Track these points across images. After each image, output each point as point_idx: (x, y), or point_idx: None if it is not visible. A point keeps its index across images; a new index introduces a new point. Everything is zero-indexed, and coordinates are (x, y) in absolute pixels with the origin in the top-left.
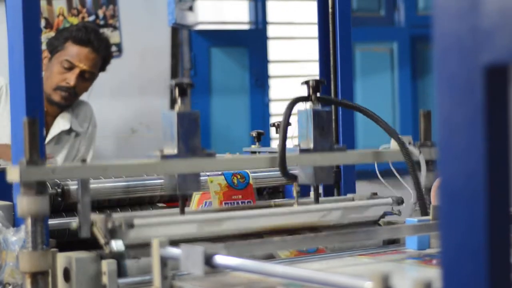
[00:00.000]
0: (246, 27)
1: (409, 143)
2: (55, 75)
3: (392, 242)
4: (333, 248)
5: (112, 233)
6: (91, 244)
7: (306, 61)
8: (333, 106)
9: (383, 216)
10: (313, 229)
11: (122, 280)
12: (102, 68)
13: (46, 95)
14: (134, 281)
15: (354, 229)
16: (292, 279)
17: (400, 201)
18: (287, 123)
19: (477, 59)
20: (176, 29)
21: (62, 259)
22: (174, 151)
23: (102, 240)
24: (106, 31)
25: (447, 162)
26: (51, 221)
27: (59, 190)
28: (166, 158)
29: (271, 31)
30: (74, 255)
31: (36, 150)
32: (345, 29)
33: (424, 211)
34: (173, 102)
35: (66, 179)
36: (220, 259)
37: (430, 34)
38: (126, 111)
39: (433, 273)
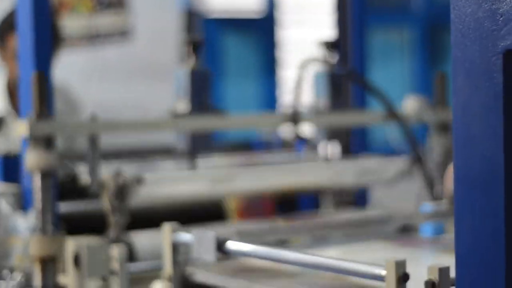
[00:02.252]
0: (257, 14)
1: (424, 106)
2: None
3: (407, 229)
4: (348, 234)
5: (122, 191)
6: (101, 228)
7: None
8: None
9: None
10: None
11: (132, 265)
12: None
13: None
14: (144, 266)
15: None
16: (305, 265)
17: (414, 163)
18: (300, 81)
19: (496, 43)
20: (188, 15)
21: (72, 244)
22: (186, 108)
23: (110, 204)
24: (118, 15)
25: (463, 147)
26: (62, 206)
27: (70, 175)
28: (177, 116)
29: (283, 17)
30: (84, 240)
31: (45, 104)
32: (361, 14)
33: (431, 189)
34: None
35: (77, 164)
36: (232, 245)
37: (446, 20)
38: (136, 96)
39: (449, 260)
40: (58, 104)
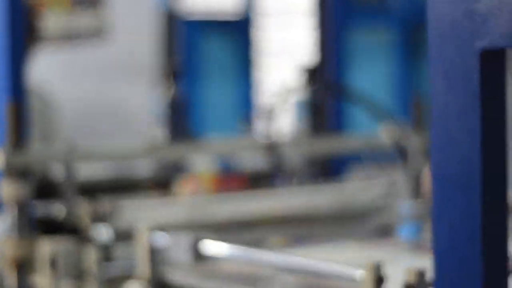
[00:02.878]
0: (236, 16)
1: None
2: None
3: (385, 229)
4: (326, 235)
5: (98, 218)
6: (76, 230)
7: (297, 49)
8: (328, 95)
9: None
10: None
11: (107, 267)
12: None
13: None
14: (119, 268)
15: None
16: (282, 266)
17: (392, 185)
18: (278, 109)
19: (472, 43)
20: (167, 17)
21: (46, 246)
22: (163, 135)
23: (87, 226)
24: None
25: (441, 147)
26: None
27: (43, 176)
28: (154, 143)
29: (262, 20)
30: (59, 241)
31: (20, 135)
32: (341, 16)
33: (416, 196)
34: (162, 88)
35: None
36: (209, 246)
37: (425, 20)
38: (112, 95)
39: (426, 261)
40: (35, 105)
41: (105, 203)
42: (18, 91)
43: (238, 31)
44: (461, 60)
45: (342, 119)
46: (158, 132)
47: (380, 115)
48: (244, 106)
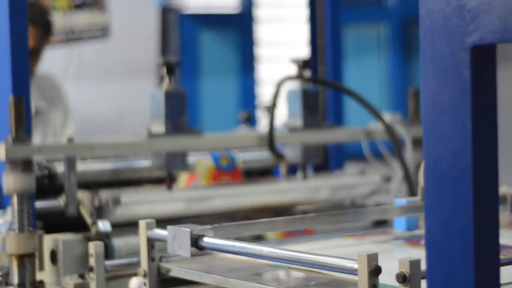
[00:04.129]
0: (234, 10)
1: (398, 122)
2: None
3: (381, 224)
4: (321, 229)
5: (99, 211)
6: (78, 225)
7: (294, 43)
8: (322, 85)
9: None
10: (301, 209)
11: (109, 262)
12: (46, 40)
13: None
14: (121, 263)
15: (343, 209)
16: (279, 260)
17: (388, 179)
18: (275, 101)
19: (463, 39)
20: (165, 12)
21: (49, 241)
22: (162, 129)
23: (88, 220)
24: (94, 13)
25: (433, 142)
26: (38, 203)
27: (45, 172)
28: (153, 136)
29: (259, 13)
30: (61, 237)
31: (23, 127)
32: (334, 10)
33: (411, 191)
34: (160, 83)
35: (53, 161)
36: (208, 240)
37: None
38: (113, 94)
39: (421, 254)
40: (44, 88)
41: (105, 195)
42: (20, 83)
43: (236, 25)
44: (452, 55)
45: (338, 111)
46: (157, 127)
47: (372, 112)
48: (244, 100)
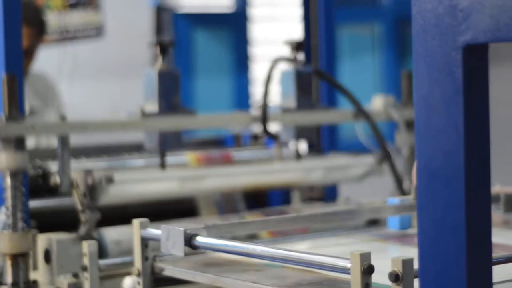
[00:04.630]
0: (228, 9)
1: (391, 104)
2: None
3: (374, 223)
4: (315, 228)
5: (92, 190)
6: (72, 225)
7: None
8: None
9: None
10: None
11: (103, 261)
12: (40, 39)
13: None
14: (114, 262)
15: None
16: (273, 259)
17: (382, 160)
18: (269, 81)
19: (455, 38)
20: (159, 11)
21: (42, 240)
22: (155, 108)
23: (79, 204)
24: (89, 12)
25: (425, 141)
26: (32, 202)
27: (40, 171)
28: (147, 116)
29: (253, 13)
30: (55, 236)
31: (16, 106)
32: (328, 9)
33: (400, 187)
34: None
35: (47, 160)
36: (201, 240)
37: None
38: (108, 93)
39: (414, 253)
40: (38, 88)
41: (99, 173)
42: (13, 61)
43: (230, 24)
44: (444, 54)
45: (331, 95)
46: (151, 107)
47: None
48: (239, 100)
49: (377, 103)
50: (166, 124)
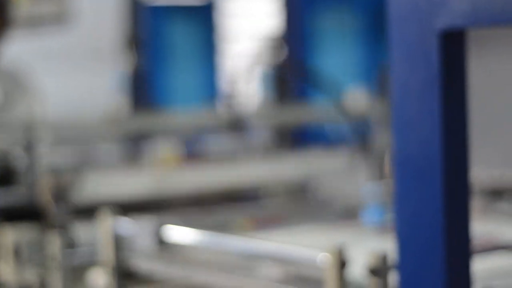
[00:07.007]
0: (201, 2)
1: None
2: None
3: (351, 212)
4: (291, 220)
5: (61, 192)
6: (37, 216)
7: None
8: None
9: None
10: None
11: (71, 252)
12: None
13: None
14: (83, 253)
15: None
16: (244, 251)
17: (354, 157)
18: (246, 80)
19: (432, 24)
20: (132, 2)
21: (11, 234)
22: (126, 108)
23: (48, 203)
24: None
25: (401, 128)
26: None
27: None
28: (117, 116)
29: (226, 6)
30: (22, 228)
31: None
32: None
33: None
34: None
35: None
36: (173, 232)
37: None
38: (76, 80)
39: (390, 243)
40: (7, 88)
41: (67, 176)
42: None
43: (202, 16)
44: (421, 41)
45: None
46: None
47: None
48: (207, 91)
49: (352, 98)
50: (137, 125)
